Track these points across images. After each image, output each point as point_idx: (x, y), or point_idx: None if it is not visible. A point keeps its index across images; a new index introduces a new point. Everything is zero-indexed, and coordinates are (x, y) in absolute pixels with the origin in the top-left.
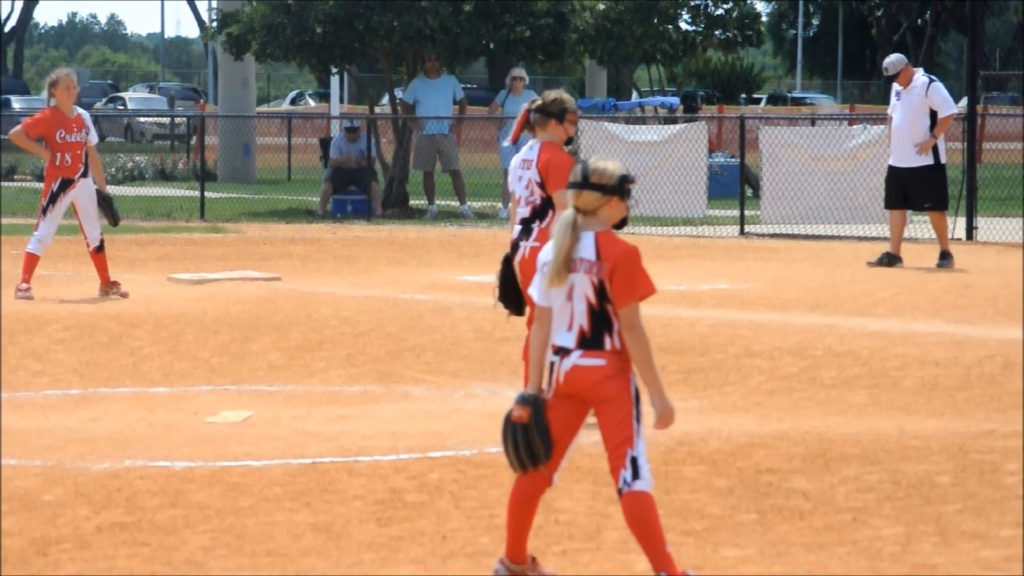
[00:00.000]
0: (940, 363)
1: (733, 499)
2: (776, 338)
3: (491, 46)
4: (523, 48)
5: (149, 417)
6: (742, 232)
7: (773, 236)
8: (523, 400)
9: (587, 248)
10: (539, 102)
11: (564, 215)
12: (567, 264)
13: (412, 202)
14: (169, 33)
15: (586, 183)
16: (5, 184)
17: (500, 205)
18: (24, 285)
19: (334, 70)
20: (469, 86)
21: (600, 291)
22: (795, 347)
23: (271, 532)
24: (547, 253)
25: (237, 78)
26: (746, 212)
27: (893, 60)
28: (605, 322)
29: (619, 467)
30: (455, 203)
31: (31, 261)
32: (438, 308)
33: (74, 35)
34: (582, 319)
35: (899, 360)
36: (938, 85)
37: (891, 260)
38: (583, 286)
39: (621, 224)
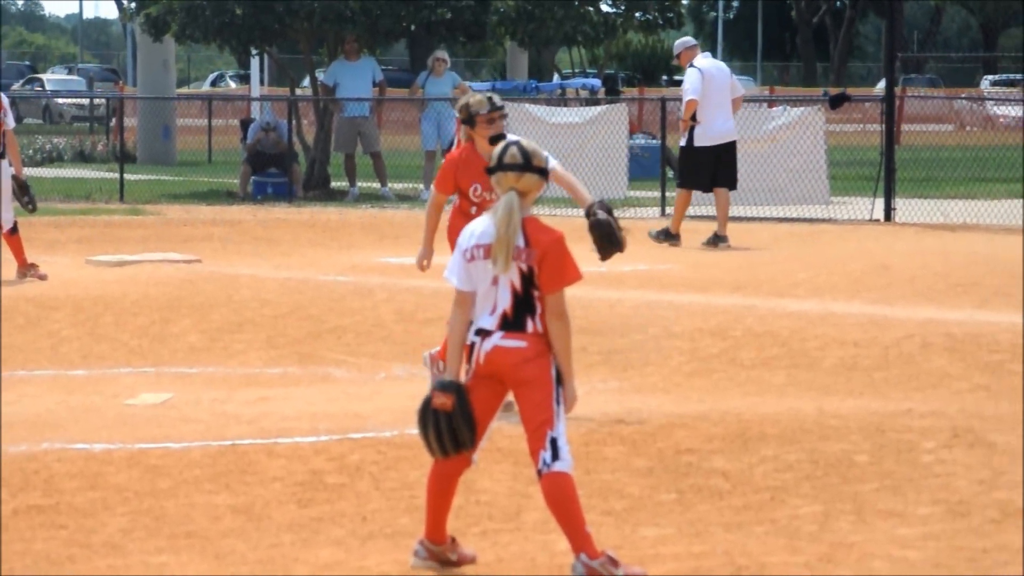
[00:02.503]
0: (859, 343)
1: (653, 479)
2: (696, 319)
3: (412, 28)
4: (444, 30)
5: (67, 400)
6: (663, 213)
7: (693, 217)
8: (444, 387)
9: (515, 240)
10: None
11: (508, 198)
12: (510, 247)
13: (333, 184)
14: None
15: (528, 165)
16: None
17: (422, 187)
18: None
19: (254, 52)
20: (390, 68)
21: (526, 278)
22: (715, 328)
23: (190, 514)
24: (472, 236)
25: (157, 59)
26: (667, 193)
27: (676, 43)
28: (528, 307)
29: (539, 448)
30: (376, 185)
31: None
32: (359, 290)
33: None
34: (505, 304)
35: (818, 340)
36: (687, 72)
37: (668, 236)
38: (510, 273)
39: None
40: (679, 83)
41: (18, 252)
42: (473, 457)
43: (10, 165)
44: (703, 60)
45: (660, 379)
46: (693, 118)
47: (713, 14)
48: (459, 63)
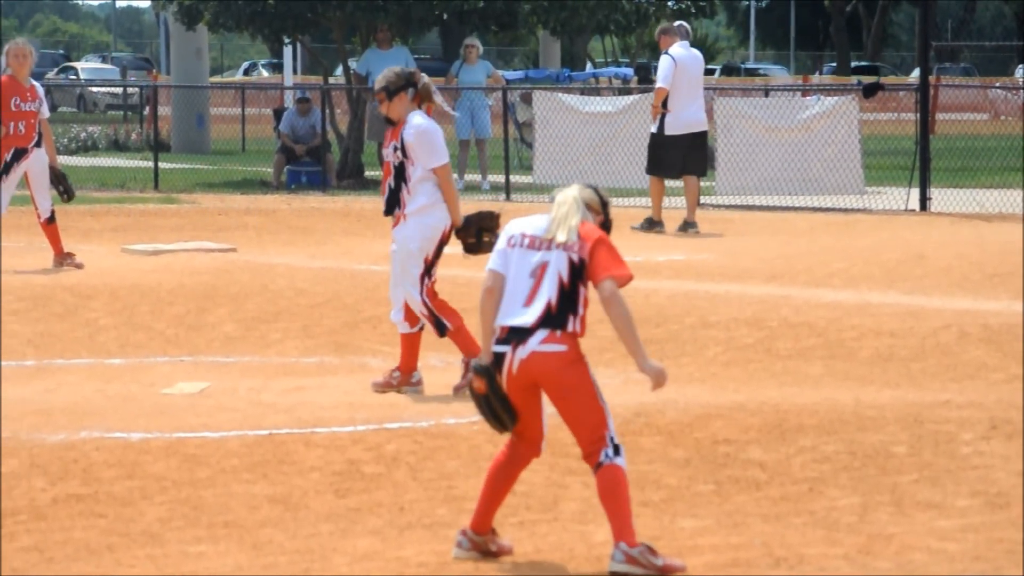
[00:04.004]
0: (895, 334)
1: (690, 470)
2: (732, 309)
3: (444, 17)
4: (476, 19)
5: (105, 388)
6: (697, 203)
7: (728, 207)
8: (477, 370)
9: (575, 231)
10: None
11: (574, 190)
12: (568, 233)
13: (367, 173)
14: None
15: (597, 191)
16: None
17: (456, 176)
18: None
19: (287, 40)
20: (422, 56)
21: (576, 270)
22: (751, 318)
23: (228, 503)
24: (521, 225)
25: (190, 48)
26: (701, 183)
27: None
28: (572, 304)
29: (600, 448)
30: None
31: None
32: None
33: (24, 4)
34: (551, 295)
35: (855, 331)
36: (661, 59)
37: (652, 224)
38: (559, 263)
39: None
40: (712, 72)
41: (55, 241)
42: (542, 446)
43: (45, 154)
44: (679, 48)
45: (696, 369)
46: (665, 105)
47: (746, 2)
48: (491, 52)
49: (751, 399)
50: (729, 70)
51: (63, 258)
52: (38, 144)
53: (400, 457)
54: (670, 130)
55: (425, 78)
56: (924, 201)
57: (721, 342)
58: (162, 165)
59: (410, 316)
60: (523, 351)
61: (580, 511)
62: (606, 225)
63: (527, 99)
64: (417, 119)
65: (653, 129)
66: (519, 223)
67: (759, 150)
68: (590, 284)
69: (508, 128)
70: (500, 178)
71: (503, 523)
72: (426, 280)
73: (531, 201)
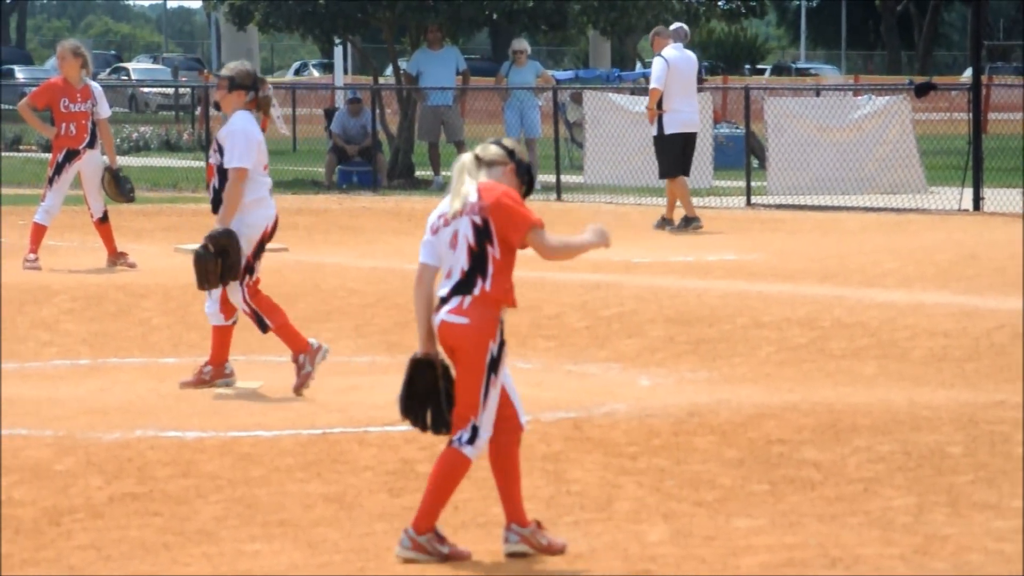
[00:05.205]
0: (949, 334)
1: (744, 470)
2: (785, 309)
3: (494, 17)
4: (526, 19)
5: (159, 387)
6: (748, 203)
7: (779, 207)
8: (418, 362)
9: (471, 193)
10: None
11: (463, 156)
12: (462, 200)
13: (417, 173)
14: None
15: (494, 141)
16: (10, 155)
17: None
18: (32, 255)
19: (337, 41)
20: (472, 57)
21: (481, 231)
22: (804, 318)
23: (283, 502)
24: (437, 211)
25: (240, 48)
26: (752, 183)
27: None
28: (481, 266)
29: (460, 427)
30: None
31: (38, 231)
32: None
33: (76, 5)
34: (463, 264)
35: (908, 331)
36: (654, 61)
37: (689, 222)
38: (465, 228)
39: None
40: (763, 71)
41: (108, 240)
42: (522, 421)
43: (102, 154)
44: (671, 51)
45: (749, 369)
46: (659, 107)
47: (796, 2)
48: (541, 52)
49: (804, 399)
50: (779, 70)
51: (116, 257)
52: (91, 144)
53: None
54: (670, 129)
55: (270, 91)
56: (977, 201)
57: (774, 342)
58: None
59: (226, 308)
60: (437, 318)
61: (634, 511)
62: (523, 168)
63: (577, 99)
64: (236, 120)
65: (654, 132)
66: (437, 209)
67: (811, 150)
68: (498, 245)
69: (559, 128)
70: (551, 178)
71: (556, 522)
72: (247, 278)
73: (582, 201)
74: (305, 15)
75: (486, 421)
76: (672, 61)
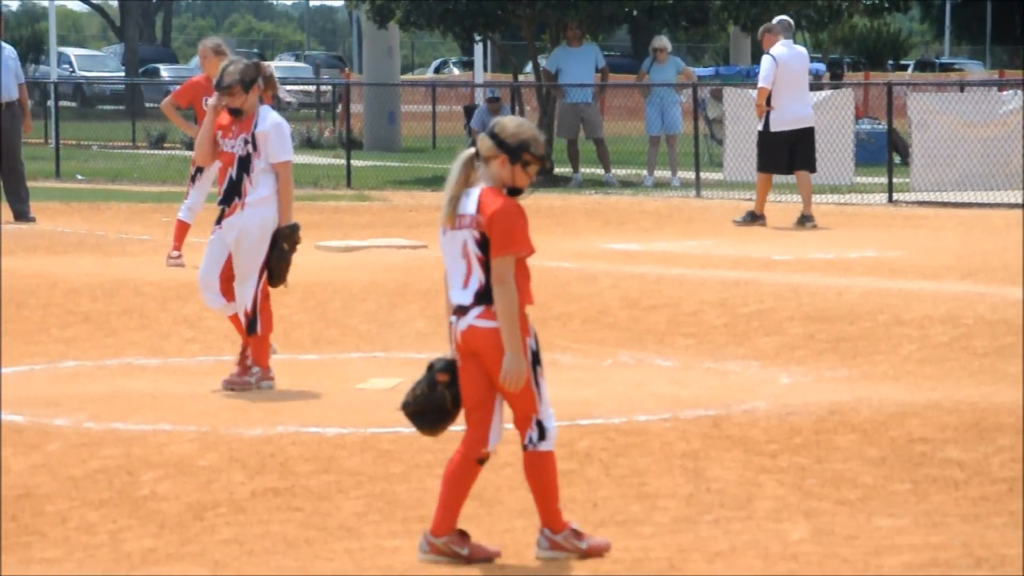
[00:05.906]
0: None
1: (886, 468)
2: (926, 306)
3: (634, 14)
4: (667, 15)
5: (300, 384)
6: (890, 200)
7: (921, 204)
8: (442, 365)
9: (471, 204)
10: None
11: (461, 154)
12: (453, 204)
13: (556, 170)
14: (314, 2)
15: (489, 131)
16: (156, 152)
17: (645, 173)
18: (175, 252)
19: (477, 38)
20: (612, 54)
21: (482, 246)
22: (946, 315)
23: (422, 498)
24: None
25: (381, 46)
26: (894, 179)
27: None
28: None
29: (525, 429)
30: (599, 171)
31: (182, 229)
32: (584, 276)
33: (220, 4)
34: (479, 275)
35: None
36: (762, 59)
37: (754, 218)
38: (470, 242)
39: (515, 192)
40: (905, 67)
41: (178, 237)
42: (489, 440)
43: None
44: (780, 48)
45: (890, 367)
46: (768, 104)
47: None
48: (681, 48)
49: (947, 397)
50: (923, 65)
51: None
52: None
53: (592, 454)
54: (775, 127)
55: (271, 69)
56: None
57: (915, 340)
58: (354, 163)
59: (225, 291)
60: (463, 323)
61: (775, 509)
62: (515, 150)
63: (718, 96)
64: (270, 114)
65: (759, 127)
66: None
67: (955, 146)
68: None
69: (699, 125)
70: (690, 175)
71: (696, 520)
72: (264, 274)
73: (721, 198)
74: (445, 13)
75: (546, 412)
76: (781, 59)
